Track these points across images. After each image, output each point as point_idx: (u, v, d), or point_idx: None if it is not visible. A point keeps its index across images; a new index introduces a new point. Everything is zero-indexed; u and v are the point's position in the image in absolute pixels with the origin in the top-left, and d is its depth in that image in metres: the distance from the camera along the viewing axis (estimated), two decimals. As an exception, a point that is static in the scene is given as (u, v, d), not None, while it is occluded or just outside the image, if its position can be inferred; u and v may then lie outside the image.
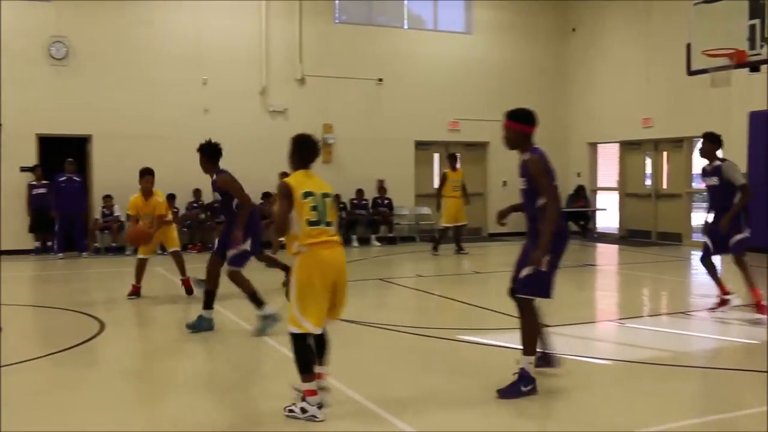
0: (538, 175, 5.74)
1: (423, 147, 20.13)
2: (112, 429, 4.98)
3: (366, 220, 18.49)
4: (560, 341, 6.70)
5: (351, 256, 16.25)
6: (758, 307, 9.00)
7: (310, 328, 5.07)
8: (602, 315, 10.27)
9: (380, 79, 19.25)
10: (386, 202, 18.93)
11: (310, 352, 5.19)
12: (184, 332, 7.99)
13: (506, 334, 7.27)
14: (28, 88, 16.26)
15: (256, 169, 15.70)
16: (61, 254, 15.68)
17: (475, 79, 20.38)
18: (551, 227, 5.52)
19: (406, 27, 20.17)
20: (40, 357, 7.00)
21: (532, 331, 5.70)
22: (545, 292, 5.65)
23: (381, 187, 18.96)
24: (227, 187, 8.04)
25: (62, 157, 16.09)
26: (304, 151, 5.49)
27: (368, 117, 19.15)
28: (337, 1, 19.18)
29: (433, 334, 7.97)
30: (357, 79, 18.96)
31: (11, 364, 6.71)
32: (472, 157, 20.68)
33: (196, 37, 17.53)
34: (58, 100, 16.47)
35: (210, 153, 8.22)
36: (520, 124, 6.18)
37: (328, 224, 5.23)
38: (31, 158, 16.32)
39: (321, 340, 5.37)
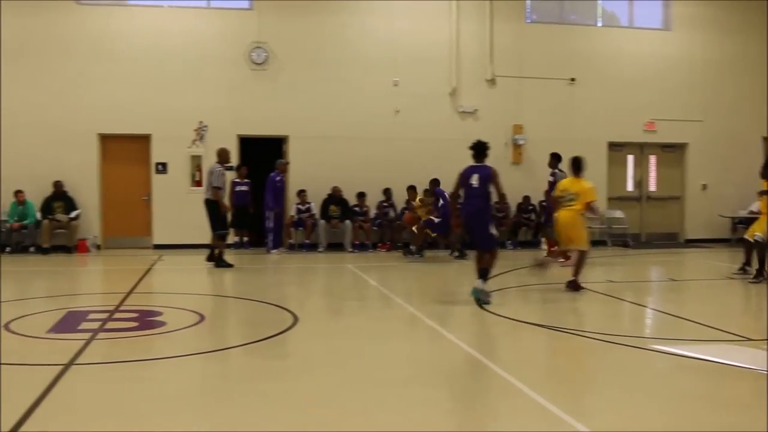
0: None
1: (616, 148, 19.47)
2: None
3: (555, 222, 18.09)
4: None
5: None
6: None
7: None
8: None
9: (572, 79, 18.81)
10: (576, 204, 18.43)
11: None
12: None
13: (701, 345, 6.89)
14: (230, 91, 17.21)
15: (447, 170, 15.77)
16: (275, 251, 16.43)
17: (673, 77, 19.47)
18: None
19: (599, 25, 19.60)
20: (239, 345, 7.34)
21: None
22: None
23: (571, 189, 18.50)
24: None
25: (259, 156, 16.86)
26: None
27: (560, 117, 18.76)
28: (528, 1, 18.93)
29: (622, 341, 7.67)
30: (548, 79, 18.62)
31: (213, 351, 7.10)
32: (669, 159, 19.81)
33: (389, 39, 17.85)
34: (258, 103, 17.30)
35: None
36: None
37: None
38: (233, 158, 17.20)
39: None
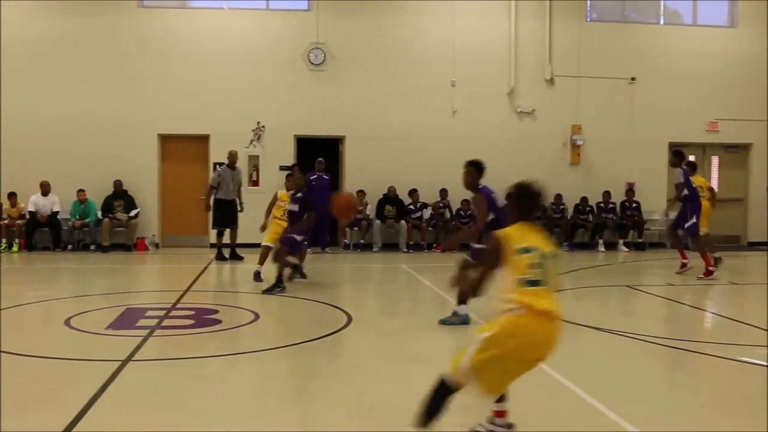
0: None
1: (677, 149, 19.06)
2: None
3: (614, 224, 17.85)
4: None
5: (596, 261, 15.80)
6: None
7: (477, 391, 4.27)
8: None
9: (633, 78, 18.49)
10: (635, 205, 18.16)
11: (442, 405, 4.28)
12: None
13: (760, 350, 6.70)
14: (288, 92, 17.34)
15: (504, 170, 15.60)
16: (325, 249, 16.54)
17: (738, 76, 18.99)
18: None
19: (662, 23, 19.24)
20: (293, 345, 7.37)
21: None
22: None
23: (630, 190, 18.22)
24: (478, 206, 8.38)
25: (318, 157, 16.94)
26: (525, 202, 4.45)
27: (619, 117, 18.46)
28: (589, 0, 18.67)
29: (681, 345, 7.50)
30: (608, 78, 18.35)
31: (267, 350, 7.15)
32: (732, 160, 19.38)
33: (447, 39, 17.78)
34: (316, 104, 17.39)
35: (478, 168, 8.34)
36: None
37: (552, 290, 4.25)
38: (289, 158, 17.31)
39: None
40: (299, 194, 11.19)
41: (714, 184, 19.35)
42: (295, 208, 11.06)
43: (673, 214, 13.81)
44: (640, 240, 17.97)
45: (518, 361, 4.21)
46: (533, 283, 4.15)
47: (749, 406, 5.48)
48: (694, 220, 12.76)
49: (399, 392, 5.63)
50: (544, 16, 18.18)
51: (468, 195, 8.93)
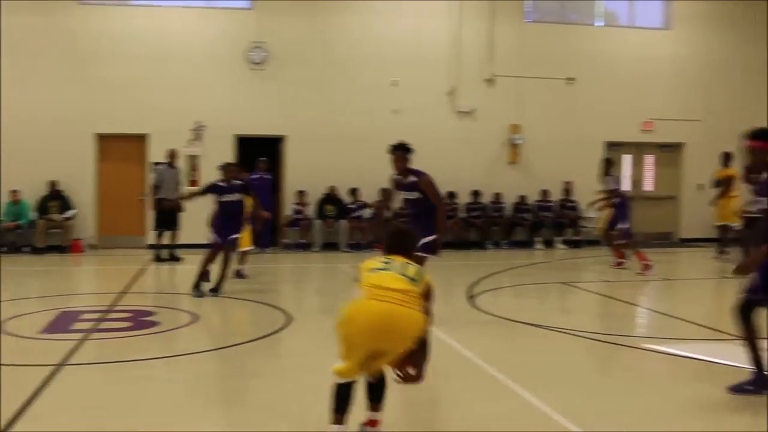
0: None
1: (614, 148, 19.46)
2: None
3: (551, 222, 18.13)
4: None
5: (534, 259, 16.03)
6: None
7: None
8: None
9: (571, 78, 18.76)
10: (572, 204, 18.46)
11: (341, 396, 4.40)
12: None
13: (694, 344, 6.89)
14: (229, 91, 17.18)
15: (443, 168, 15.76)
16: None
17: (672, 76, 19.42)
18: None
19: (599, 24, 19.57)
20: (231, 346, 7.33)
21: None
22: None
23: (566, 189, 18.51)
24: (429, 189, 8.33)
25: (257, 156, 16.84)
26: (389, 241, 4.86)
27: (558, 117, 18.69)
28: (528, 1, 18.90)
29: (615, 341, 7.66)
30: (548, 78, 18.56)
31: (206, 351, 7.10)
32: (665, 159, 19.82)
33: (389, 39, 17.78)
34: (257, 103, 17.26)
35: (408, 151, 8.39)
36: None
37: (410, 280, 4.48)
38: (230, 157, 17.13)
39: (374, 385, 4.62)
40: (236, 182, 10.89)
41: (649, 182, 19.82)
42: (235, 197, 10.69)
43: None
44: (576, 238, 18.26)
45: (357, 345, 4.37)
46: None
47: (683, 398, 5.63)
48: (627, 224, 13.46)
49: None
50: (484, 17, 18.32)
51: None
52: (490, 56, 18.32)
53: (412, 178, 8.26)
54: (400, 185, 8.54)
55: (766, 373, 5.56)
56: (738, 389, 5.57)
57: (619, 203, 13.77)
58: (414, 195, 8.39)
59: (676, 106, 19.30)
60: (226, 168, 10.97)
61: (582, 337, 7.82)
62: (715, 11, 19.69)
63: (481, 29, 18.26)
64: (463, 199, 17.82)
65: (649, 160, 19.87)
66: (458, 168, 17.29)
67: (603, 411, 5.35)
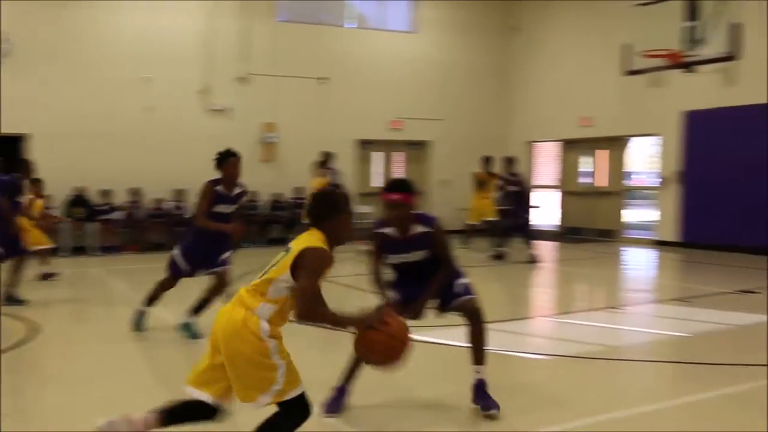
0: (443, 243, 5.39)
1: (366, 146, 20.16)
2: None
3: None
4: (498, 338, 6.78)
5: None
6: None
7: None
8: (538, 311, 10.42)
9: (323, 78, 19.16)
10: (327, 201, 18.85)
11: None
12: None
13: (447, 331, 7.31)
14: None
15: (195, 168, 15.49)
16: None
17: (419, 77, 20.48)
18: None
19: (349, 25, 20.14)
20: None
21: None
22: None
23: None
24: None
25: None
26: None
27: (311, 116, 19.05)
28: (277, 0, 19.04)
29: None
30: (302, 78, 18.86)
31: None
32: (414, 156, 20.83)
33: (140, 35, 17.25)
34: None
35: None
36: (413, 196, 5.33)
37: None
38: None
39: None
40: None
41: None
42: None
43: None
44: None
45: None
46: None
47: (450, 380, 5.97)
48: None
49: (89, 404, 5.47)
50: (237, 15, 18.23)
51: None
52: (244, 55, 18.25)
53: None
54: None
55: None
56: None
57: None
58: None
59: (422, 106, 20.35)
60: None
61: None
62: (457, 17, 21.03)
63: (233, 27, 18.17)
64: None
65: (400, 157, 20.78)
66: (210, 167, 17.08)
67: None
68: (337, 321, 3.97)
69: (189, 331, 7.63)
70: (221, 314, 3.90)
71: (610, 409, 5.49)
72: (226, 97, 18.17)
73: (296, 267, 3.81)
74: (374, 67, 19.97)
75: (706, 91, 16.11)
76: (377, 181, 20.09)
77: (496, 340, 6.41)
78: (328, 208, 4.03)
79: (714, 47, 14.22)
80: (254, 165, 18.35)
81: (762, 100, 15.51)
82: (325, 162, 14.94)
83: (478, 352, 5.32)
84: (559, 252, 17.41)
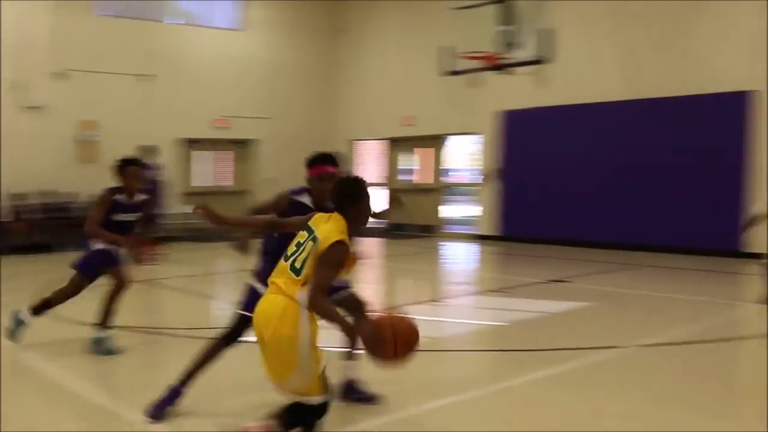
0: None
1: (192, 144, 19.83)
2: None
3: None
4: (321, 335, 6.89)
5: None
6: None
7: None
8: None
9: (145, 75, 18.64)
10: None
11: None
12: None
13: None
14: None
15: (10, 168, 14.80)
16: None
17: (246, 76, 20.36)
18: None
19: (172, 21, 19.66)
20: None
21: None
22: None
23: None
24: None
25: None
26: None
27: (135, 114, 18.46)
28: (94, -2, 18.32)
29: (197, 334, 7.91)
30: (123, 74, 18.27)
31: None
32: (242, 155, 20.72)
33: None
34: None
35: None
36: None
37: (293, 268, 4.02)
38: None
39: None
40: None
41: (229, 177, 20.59)
42: None
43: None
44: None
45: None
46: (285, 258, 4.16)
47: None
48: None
49: None
50: (50, 9, 17.37)
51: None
52: (59, 49, 17.44)
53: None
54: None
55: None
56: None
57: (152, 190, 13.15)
58: None
59: (250, 105, 20.28)
60: None
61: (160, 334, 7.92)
62: (285, 17, 21.15)
63: (46, 21, 17.31)
64: (35, 199, 16.73)
65: (227, 156, 20.60)
66: (27, 167, 16.31)
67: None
68: (342, 324, 4.18)
69: (102, 347, 7.02)
70: (262, 303, 4.07)
71: (433, 398, 5.73)
72: (44, 93, 17.26)
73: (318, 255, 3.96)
74: (200, 64, 19.67)
75: (521, 92, 17.01)
76: (200, 180, 19.91)
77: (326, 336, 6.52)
78: (354, 194, 4.15)
79: (528, 50, 14.96)
80: (72, 164, 17.64)
81: (571, 101, 16.64)
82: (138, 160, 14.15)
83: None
84: (384, 248, 17.83)
